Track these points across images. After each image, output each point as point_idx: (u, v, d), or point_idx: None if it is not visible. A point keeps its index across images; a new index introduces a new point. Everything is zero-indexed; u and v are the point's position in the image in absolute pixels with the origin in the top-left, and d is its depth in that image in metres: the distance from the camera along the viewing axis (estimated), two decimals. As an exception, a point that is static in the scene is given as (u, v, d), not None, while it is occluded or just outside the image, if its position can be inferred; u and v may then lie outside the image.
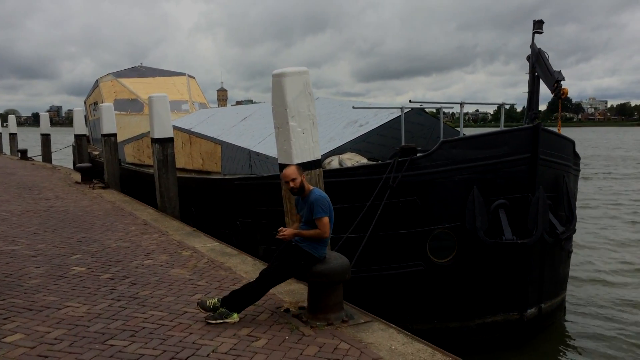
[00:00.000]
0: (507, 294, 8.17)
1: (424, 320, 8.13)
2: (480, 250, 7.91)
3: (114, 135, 17.30)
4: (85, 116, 26.58)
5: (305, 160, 6.54)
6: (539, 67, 10.08)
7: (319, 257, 5.20)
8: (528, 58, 10.59)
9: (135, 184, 17.23)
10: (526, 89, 10.71)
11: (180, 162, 13.60)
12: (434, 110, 10.43)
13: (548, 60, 10.01)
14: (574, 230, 8.61)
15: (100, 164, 20.63)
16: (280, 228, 5.28)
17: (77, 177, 18.70)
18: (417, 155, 7.90)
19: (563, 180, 8.62)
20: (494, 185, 7.93)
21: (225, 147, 11.89)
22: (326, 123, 10.63)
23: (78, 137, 23.29)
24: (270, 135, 11.04)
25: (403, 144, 9.51)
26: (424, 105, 10.02)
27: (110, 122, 17.16)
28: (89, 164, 19.19)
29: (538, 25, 10.18)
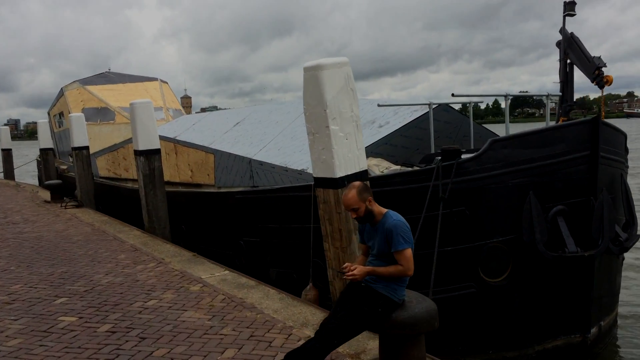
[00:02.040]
0: (569, 314, 7.10)
1: (478, 350, 6.98)
2: (539, 265, 6.82)
3: (86, 147, 15.74)
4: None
5: (350, 172, 5.34)
6: (573, 53, 9.10)
7: (398, 302, 3.98)
8: (558, 44, 9.62)
9: (113, 200, 15.70)
10: (557, 78, 9.72)
11: (165, 175, 12.19)
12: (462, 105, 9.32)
13: (583, 46, 9.03)
14: (638, 237, 7.59)
15: (70, 179, 18.97)
16: (347, 265, 4.04)
17: (46, 195, 17.02)
18: (463, 158, 6.76)
19: (621, 180, 7.61)
20: (551, 189, 6.85)
21: (220, 156, 10.55)
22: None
23: (44, 151, 21.54)
24: (273, 142, 9.79)
25: (432, 144, 8.38)
26: (462, 100, 8.86)
27: (81, 133, 15.60)
28: (58, 181, 17.54)
29: (570, 7, 9.18)
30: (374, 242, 4.08)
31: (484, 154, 6.69)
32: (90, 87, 21.58)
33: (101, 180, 17.25)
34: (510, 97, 8.05)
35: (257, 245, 8.92)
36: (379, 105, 8.68)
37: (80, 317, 5.62)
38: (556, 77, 9.50)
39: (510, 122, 8.83)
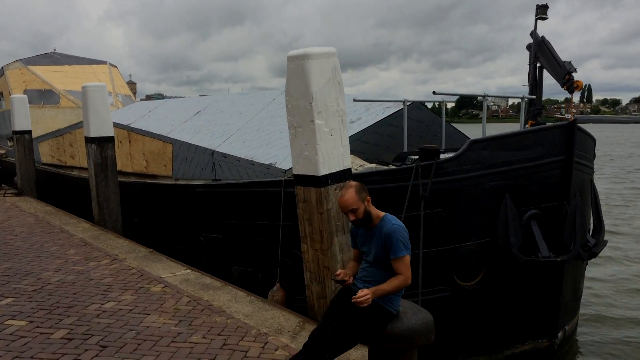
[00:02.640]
0: (537, 319, 7.07)
1: (449, 355, 6.84)
2: (512, 269, 6.73)
3: (29, 132, 14.76)
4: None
5: (333, 170, 5.02)
6: (544, 57, 9.09)
7: (394, 313, 3.71)
8: (528, 47, 9.61)
9: (57, 189, 14.81)
10: (526, 82, 9.71)
11: (116, 164, 11.50)
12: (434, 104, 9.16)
13: (554, 50, 9.03)
14: (605, 242, 7.64)
15: (9, 165, 17.82)
16: (340, 272, 3.74)
17: (-18, 181, 15.90)
18: (442, 158, 6.57)
19: (591, 185, 7.63)
20: (526, 193, 6.77)
21: (179, 146, 10.00)
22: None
23: (-21, 134, 20.14)
24: (237, 134, 9.36)
25: (405, 143, 8.18)
26: (446, 99, 8.66)
27: (23, 116, 14.59)
28: (-4, 166, 16.41)
29: (542, 10, 9.17)
30: (369, 247, 3.78)
31: (463, 154, 6.53)
32: (34, 68, 20.31)
33: (44, 167, 16.25)
34: (488, 97, 7.93)
35: (219, 241, 8.48)
36: (354, 100, 8.39)
37: (31, 322, 5.07)
38: (524, 80, 9.50)
39: (455, 122, 8.77)
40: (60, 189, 14.65)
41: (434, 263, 6.62)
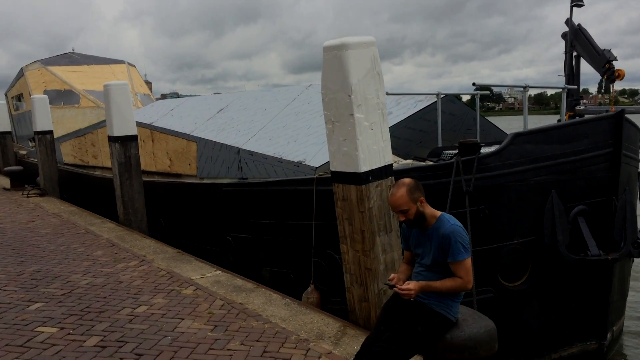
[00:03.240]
0: (585, 320, 6.72)
1: None
2: (559, 269, 6.40)
3: (50, 132, 14.69)
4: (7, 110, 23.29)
5: (374, 167, 4.73)
6: (581, 45, 8.71)
7: (453, 320, 3.43)
8: (564, 36, 9.21)
9: (80, 189, 14.72)
10: (562, 72, 9.32)
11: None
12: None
13: (592, 38, 8.63)
14: (656, 238, 7.24)
15: (31, 165, 17.80)
16: (393, 276, 3.46)
17: (6, 182, 15.92)
18: (483, 152, 6.25)
19: (637, 179, 7.26)
20: (573, 188, 6.42)
21: (204, 144, 9.79)
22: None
23: (1, 135, 20.20)
24: (263, 130, 9.12)
25: (440, 138, 7.87)
26: (481, 92, 8.31)
27: (44, 116, 14.53)
28: (19, 167, 16.40)
29: (579, -3, 8.79)
30: (424, 250, 3.50)
31: (505, 148, 6.20)
32: (53, 68, 20.30)
33: (66, 167, 16.19)
34: (529, 88, 7.56)
35: (248, 241, 8.25)
36: (387, 94, 8.07)
37: (62, 328, 4.87)
38: (560, 70, 9.11)
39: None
40: (84, 189, 14.56)
41: (477, 263, 6.29)
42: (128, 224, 9.79)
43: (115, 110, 9.63)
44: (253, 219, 8.09)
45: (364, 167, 4.61)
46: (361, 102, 4.57)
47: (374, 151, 4.69)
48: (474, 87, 6.86)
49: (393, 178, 4.90)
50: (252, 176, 8.68)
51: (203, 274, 6.70)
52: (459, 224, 3.43)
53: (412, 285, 3.32)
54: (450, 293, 3.37)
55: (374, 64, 4.65)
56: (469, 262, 3.34)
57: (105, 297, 5.75)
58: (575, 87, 8.51)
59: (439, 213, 3.51)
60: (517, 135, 6.25)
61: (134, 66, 23.48)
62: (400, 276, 3.58)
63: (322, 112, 9.10)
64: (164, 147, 11.17)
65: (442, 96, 7.77)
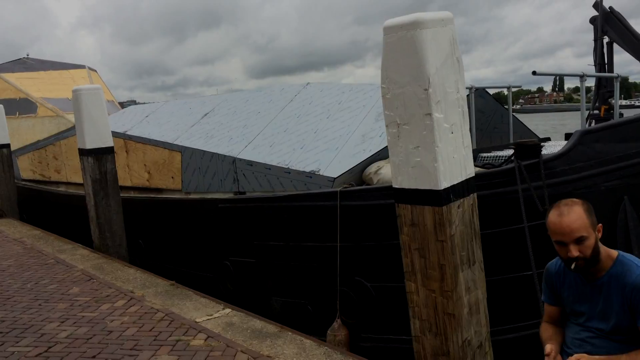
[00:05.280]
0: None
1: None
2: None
3: (7, 146, 13.15)
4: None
5: (455, 181, 3.65)
6: (615, 31, 7.81)
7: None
8: (592, 21, 8.34)
9: (41, 208, 13.18)
10: (591, 61, 8.46)
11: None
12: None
13: (627, 22, 7.78)
14: None
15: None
16: (550, 349, 2.39)
17: (-44, 203, 14.14)
18: (545, 154, 5.28)
19: None
20: (644, 194, 5.51)
21: (190, 154, 8.54)
22: (342, 116, 7.67)
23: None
24: (261, 136, 7.96)
25: (474, 138, 6.86)
26: (543, 79, 7.32)
27: (0, 128, 12.95)
28: (-30, 185, 14.65)
29: (610, -22, 7.93)
30: (593, 307, 2.45)
31: (573, 149, 5.23)
32: (6, 75, 18.53)
33: (24, 183, 14.58)
34: (586, 78, 6.61)
35: (252, 267, 7.07)
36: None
37: (43, 414, 3.62)
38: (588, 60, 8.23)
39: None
40: (46, 208, 13.03)
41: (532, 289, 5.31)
42: (105, 249, 8.45)
43: (87, 118, 8.30)
44: (258, 241, 6.92)
45: (444, 183, 3.53)
46: (440, 98, 3.49)
47: (455, 161, 3.62)
48: (534, 75, 5.88)
49: (475, 195, 3.84)
50: (252, 190, 7.50)
51: (210, 315, 5.50)
52: None
53: (582, 358, 2.25)
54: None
55: (453, 47, 3.58)
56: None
57: (93, 357, 4.49)
58: (617, 75, 7.59)
59: (615, 253, 2.46)
60: (586, 133, 5.29)
61: (96, 71, 21.82)
62: (555, 347, 2.50)
63: (328, 113, 8.04)
64: (141, 158, 9.85)
65: (474, 90, 6.78)
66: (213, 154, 8.11)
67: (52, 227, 11.26)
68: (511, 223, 5.13)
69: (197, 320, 5.34)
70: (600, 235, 2.51)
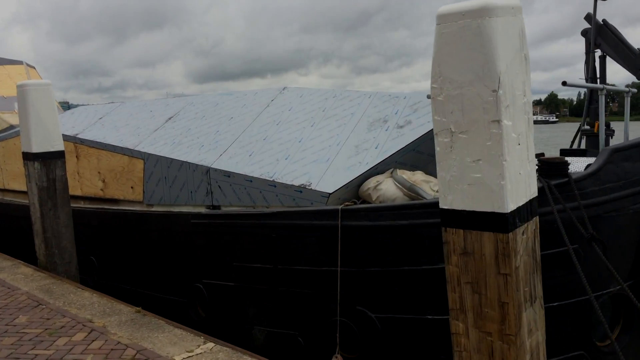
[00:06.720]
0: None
1: None
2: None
3: None
4: None
5: (520, 203, 3.04)
6: (607, 44, 7.55)
7: None
8: (584, 33, 8.07)
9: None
10: (582, 75, 8.16)
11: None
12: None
13: (621, 34, 7.53)
14: None
15: None
16: None
17: None
18: (572, 172, 4.78)
19: None
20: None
21: (154, 162, 7.63)
22: (329, 124, 6.99)
23: None
24: (237, 144, 7.21)
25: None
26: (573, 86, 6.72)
27: None
28: None
29: (605, -11, 7.69)
30: None
31: (602, 168, 4.76)
32: None
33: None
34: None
35: (230, 291, 6.26)
36: (428, 98, 6.39)
37: None
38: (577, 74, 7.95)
39: None
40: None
41: (565, 319, 4.80)
42: (52, 268, 7.40)
43: (34, 118, 7.27)
44: (238, 262, 6.13)
45: (511, 205, 2.91)
46: (510, 102, 2.87)
47: (521, 179, 3.01)
48: (564, 85, 5.35)
49: (537, 219, 3.25)
50: (229, 204, 6.70)
51: (190, 350, 4.67)
52: None
53: None
54: None
55: (522, 41, 2.98)
56: None
57: (54, 413, 3.60)
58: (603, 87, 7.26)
59: None
60: (616, 151, 4.83)
61: (34, 68, 20.27)
62: None
63: (312, 121, 7.33)
64: (95, 165, 8.82)
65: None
66: (182, 163, 7.26)
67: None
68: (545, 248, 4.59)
69: (176, 358, 4.51)
70: None
